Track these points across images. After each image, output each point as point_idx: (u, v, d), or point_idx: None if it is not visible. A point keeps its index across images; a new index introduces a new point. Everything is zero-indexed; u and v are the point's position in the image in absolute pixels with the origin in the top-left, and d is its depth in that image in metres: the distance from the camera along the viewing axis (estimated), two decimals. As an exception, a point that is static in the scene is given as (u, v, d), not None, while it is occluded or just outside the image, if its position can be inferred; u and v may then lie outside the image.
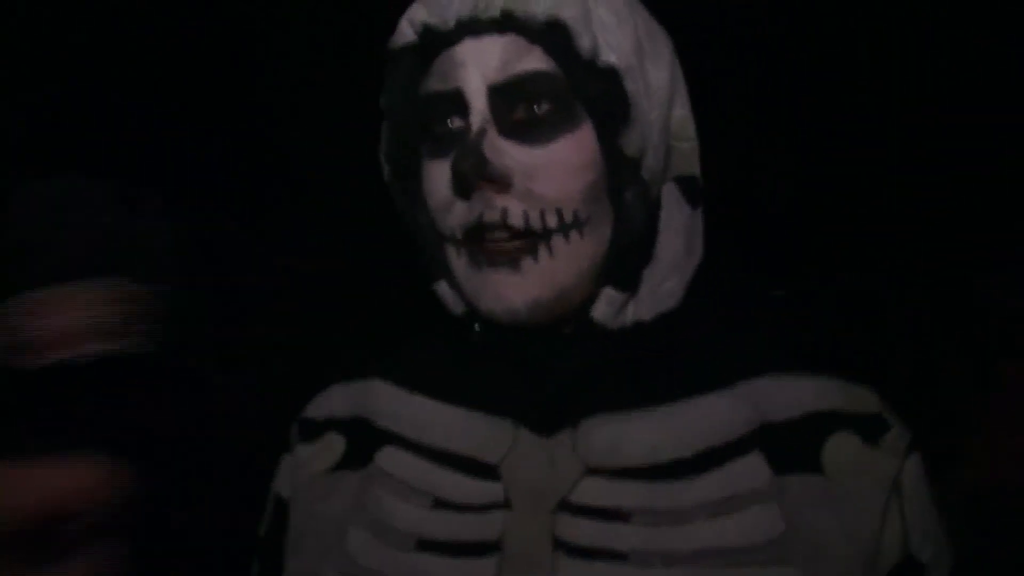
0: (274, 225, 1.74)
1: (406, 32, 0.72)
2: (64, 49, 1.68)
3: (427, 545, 0.69)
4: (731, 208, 0.78)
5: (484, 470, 0.70)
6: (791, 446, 0.69)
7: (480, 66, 0.68)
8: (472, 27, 0.69)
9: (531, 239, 0.67)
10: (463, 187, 0.67)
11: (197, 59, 1.72)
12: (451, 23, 0.69)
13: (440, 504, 0.70)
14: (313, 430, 0.81)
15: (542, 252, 0.67)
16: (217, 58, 1.74)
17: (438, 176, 0.70)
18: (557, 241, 0.68)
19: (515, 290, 0.68)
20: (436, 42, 0.70)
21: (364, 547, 0.71)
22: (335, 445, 0.79)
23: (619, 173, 0.69)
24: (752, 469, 0.68)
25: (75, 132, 1.69)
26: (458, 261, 0.71)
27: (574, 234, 0.68)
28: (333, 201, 1.65)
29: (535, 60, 0.68)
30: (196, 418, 0.61)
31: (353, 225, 1.62)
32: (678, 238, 0.73)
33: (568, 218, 0.67)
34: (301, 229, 1.67)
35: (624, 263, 0.70)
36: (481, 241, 0.68)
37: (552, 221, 0.67)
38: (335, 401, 0.82)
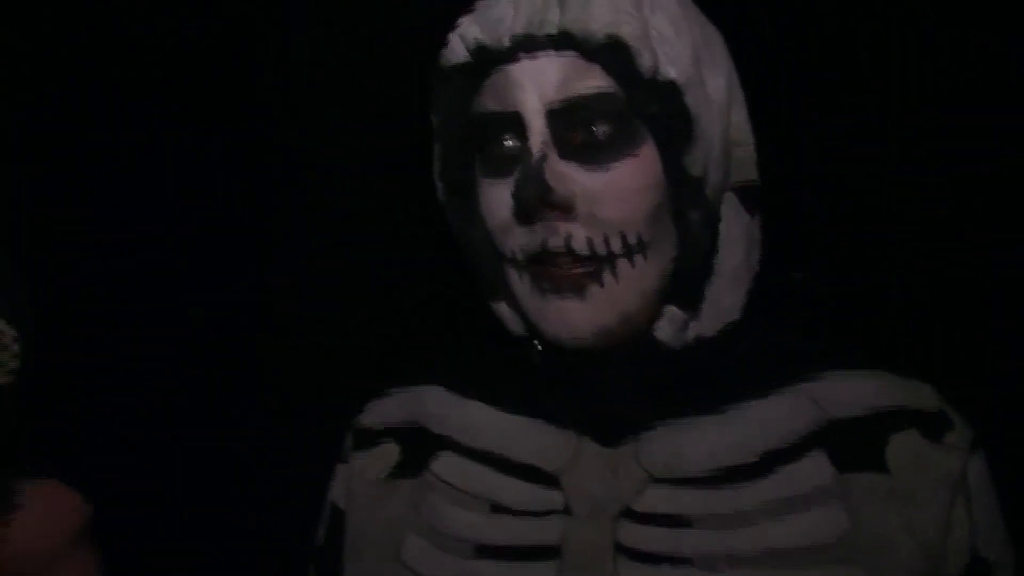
0: (283, 228, 1.73)
1: (458, 50, 0.70)
2: (64, 49, 1.65)
3: (486, 551, 0.69)
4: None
5: (544, 477, 0.70)
6: (855, 444, 0.69)
7: (538, 86, 0.66)
8: (527, 46, 0.67)
9: (596, 264, 0.66)
10: (526, 215, 0.66)
11: (197, 59, 1.71)
12: (505, 41, 0.67)
13: (498, 510, 0.70)
14: (368, 438, 0.80)
15: (607, 277, 0.66)
16: (218, 58, 1.73)
17: (496, 198, 0.68)
18: (622, 265, 0.66)
19: (581, 316, 0.66)
20: (489, 60, 0.69)
21: (422, 555, 0.71)
22: (390, 453, 0.78)
23: (682, 193, 0.68)
24: (815, 468, 0.68)
25: (75, 132, 1.67)
26: (520, 283, 0.69)
27: (639, 257, 0.67)
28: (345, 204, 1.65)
29: (594, 79, 0.66)
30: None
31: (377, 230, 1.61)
32: (739, 250, 0.72)
33: (632, 241, 0.66)
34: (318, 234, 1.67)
35: (687, 282, 0.70)
36: (545, 265, 0.67)
37: (616, 245, 0.66)
38: (389, 408, 0.81)
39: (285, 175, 1.73)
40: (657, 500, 0.67)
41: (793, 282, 0.76)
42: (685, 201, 0.68)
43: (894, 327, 1.31)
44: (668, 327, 0.70)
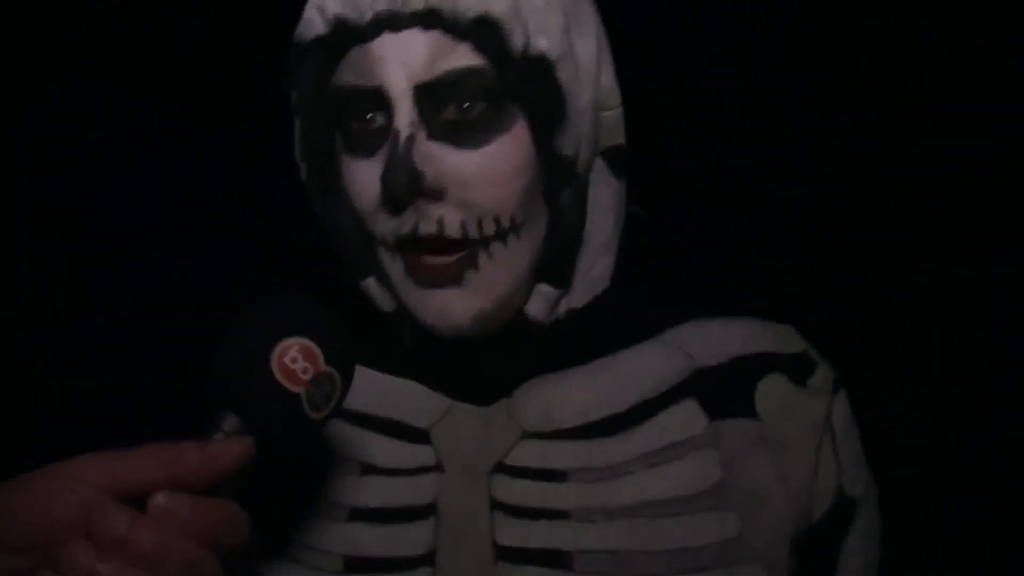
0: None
1: (316, 23, 0.65)
2: (64, 49, 1.66)
3: (359, 514, 0.67)
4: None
5: (414, 435, 0.69)
6: (724, 391, 0.69)
7: (404, 64, 0.62)
8: (391, 22, 0.63)
9: (469, 248, 0.64)
10: (396, 204, 0.62)
11: (197, 59, 1.71)
12: (367, 16, 0.63)
13: (368, 471, 0.68)
14: None
15: (482, 260, 0.64)
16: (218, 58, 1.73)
17: (363, 178, 0.64)
18: (496, 247, 0.64)
19: (459, 305, 0.64)
20: (349, 34, 0.64)
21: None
22: None
23: (555, 171, 0.65)
24: (687, 417, 0.68)
25: (75, 132, 1.67)
26: (393, 266, 0.66)
27: (512, 238, 0.65)
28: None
29: (464, 56, 0.62)
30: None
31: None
32: (608, 217, 0.71)
33: (505, 223, 0.64)
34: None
35: (558, 258, 0.68)
36: (417, 252, 0.64)
37: (490, 228, 0.63)
38: None
39: (285, 175, 1.73)
40: (530, 454, 0.67)
41: (634, 217, 0.74)
42: (557, 180, 0.65)
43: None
44: (540, 304, 0.68)
